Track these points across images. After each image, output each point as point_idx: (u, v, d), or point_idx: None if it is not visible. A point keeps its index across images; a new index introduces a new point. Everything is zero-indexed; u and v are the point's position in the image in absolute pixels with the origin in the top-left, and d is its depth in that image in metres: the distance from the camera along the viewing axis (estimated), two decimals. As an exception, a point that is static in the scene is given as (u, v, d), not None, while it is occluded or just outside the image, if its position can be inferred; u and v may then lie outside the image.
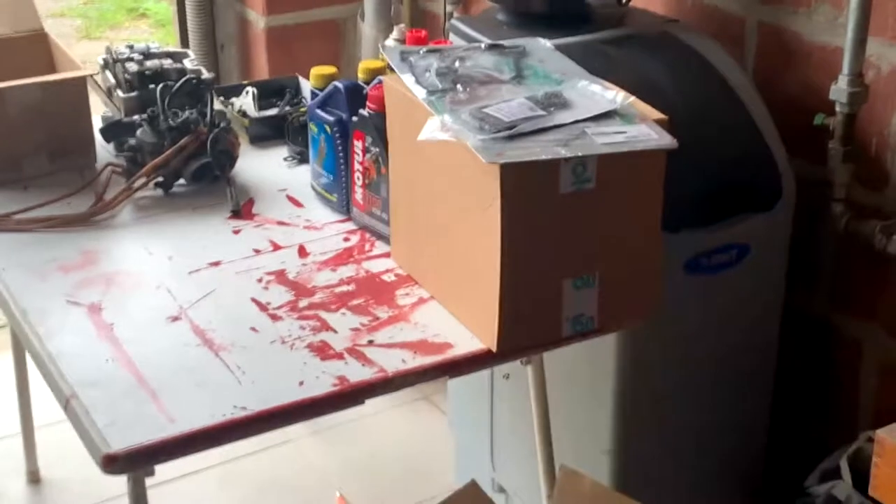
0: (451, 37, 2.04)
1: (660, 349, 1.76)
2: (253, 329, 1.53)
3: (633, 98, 1.48)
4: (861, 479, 1.68)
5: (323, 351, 1.48)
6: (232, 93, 2.23)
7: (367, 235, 1.78)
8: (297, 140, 2.05)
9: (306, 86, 2.21)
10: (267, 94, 2.22)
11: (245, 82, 2.28)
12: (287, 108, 2.18)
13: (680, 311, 1.72)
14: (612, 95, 1.49)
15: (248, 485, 2.41)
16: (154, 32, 6.21)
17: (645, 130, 1.42)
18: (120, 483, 2.22)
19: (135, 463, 1.30)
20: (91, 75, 2.00)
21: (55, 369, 1.43)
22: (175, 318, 1.56)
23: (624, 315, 1.55)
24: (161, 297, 1.61)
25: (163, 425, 1.33)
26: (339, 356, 1.47)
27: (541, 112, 1.45)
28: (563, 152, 1.37)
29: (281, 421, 1.38)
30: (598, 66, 1.66)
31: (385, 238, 1.75)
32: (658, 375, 1.80)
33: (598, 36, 1.89)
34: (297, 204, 1.89)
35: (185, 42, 2.88)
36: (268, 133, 2.12)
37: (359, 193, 1.79)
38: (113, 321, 1.54)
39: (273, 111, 2.17)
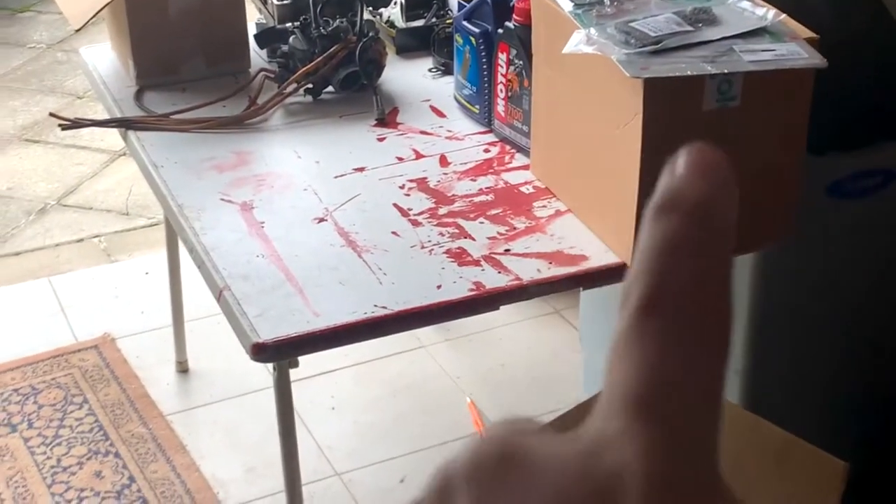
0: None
1: (798, 272, 1.76)
2: (394, 233, 1.59)
3: (783, 16, 1.46)
4: None
5: (461, 257, 1.53)
6: (381, 3, 2.26)
7: (508, 147, 1.81)
8: (442, 52, 2.08)
9: (453, -2, 2.24)
10: (414, 5, 2.25)
11: (393, -8, 2.31)
12: (433, 19, 2.21)
13: (821, 235, 1.71)
14: (763, 12, 1.48)
15: (382, 386, 2.50)
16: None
17: (794, 49, 1.40)
18: (262, 376, 2.35)
19: (281, 353, 1.38)
20: (248, -18, 2.06)
21: (210, 262, 1.51)
22: (321, 220, 1.62)
23: (759, 236, 1.55)
24: (308, 199, 1.68)
25: (308, 319, 1.40)
26: (477, 263, 1.52)
27: (688, 27, 1.45)
28: (710, 69, 1.37)
29: (419, 321, 1.44)
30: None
31: (525, 150, 1.78)
32: (794, 298, 1.79)
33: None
34: (440, 114, 1.93)
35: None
36: (414, 44, 2.15)
37: (501, 105, 1.81)
38: (263, 219, 1.62)
39: (420, 22, 2.20)
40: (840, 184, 1.70)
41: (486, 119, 1.87)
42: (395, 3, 2.22)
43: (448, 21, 2.14)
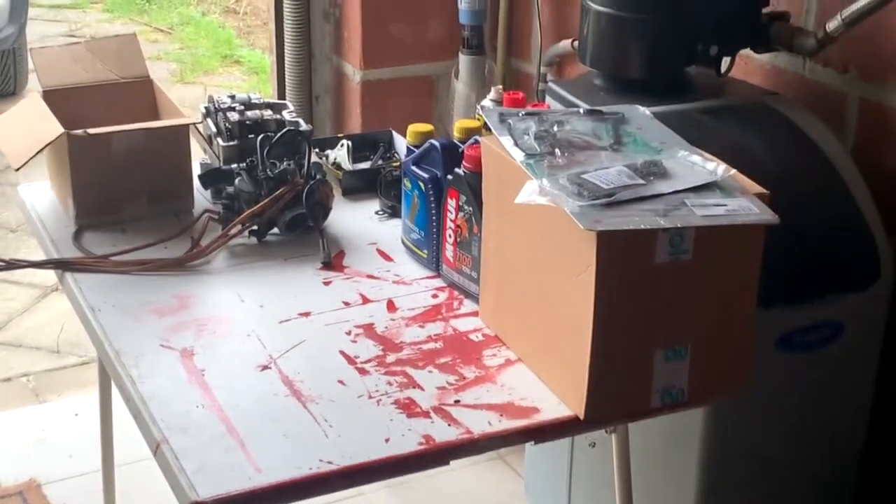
0: (548, 99, 2.06)
1: (747, 424, 1.74)
2: (341, 382, 1.54)
3: (733, 171, 1.47)
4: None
5: (409, 408, 1.49)
6: (327, 145, 2.26)
7: (456, 293, 1.79)
8: (388, 194, 2.07)
9: (399, 140, 2.24)
10: (361, 148, 2.25)
11: (340, 135, 2.31)
12: (380, 161, 2.21)
13: (769, 388, 1.70)
14: (713, 167, 1.48)
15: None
16: (247, 79, 6.35)
17: (745, 204, 1.41)
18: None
19: (221, 510, 1.31)
20: (194, 123, 2.05)
21: (147, 413, 1.45)
22: (265, 367, 1.57)
23: (714, 389, 1.53)
24: (251, 345, 1.63)
25: (250, 475, 1.34)
26: (426, 414, 1.47)
27: (640, 181, 1.45)
28: (662, 222, 1.36)
29: (366, 478, 1.39)
30: (695, 135, 1.65)
31: (474, 297, 1.75)
32: (744, 450, 1.77)
33: (695, 105, 1.89)
34: (387, 258, 1.90)
35: (281, 92, 2.94)
36: (360, 186, 2.14)
37: (449, 251, 1.79)
38: (204, 367, 1.56)
39: (366, 164, 2.20)
40: (789, 337, 1.70)
41: (434, 264, 1.84)
42: (342, 146, 2.22)
43: (395, 163, 2.14)
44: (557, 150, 1.54)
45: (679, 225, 1.37)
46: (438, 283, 1.82)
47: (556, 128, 1.61)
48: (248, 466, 1.36)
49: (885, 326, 1.81)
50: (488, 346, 1.64)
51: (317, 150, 2.21)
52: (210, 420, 1.45)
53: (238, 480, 1.33)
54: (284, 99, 2.92)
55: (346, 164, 2.18)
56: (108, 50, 2.20)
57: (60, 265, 1.83)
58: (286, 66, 2.91)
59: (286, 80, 2.93)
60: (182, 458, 1.37)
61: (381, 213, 2.07)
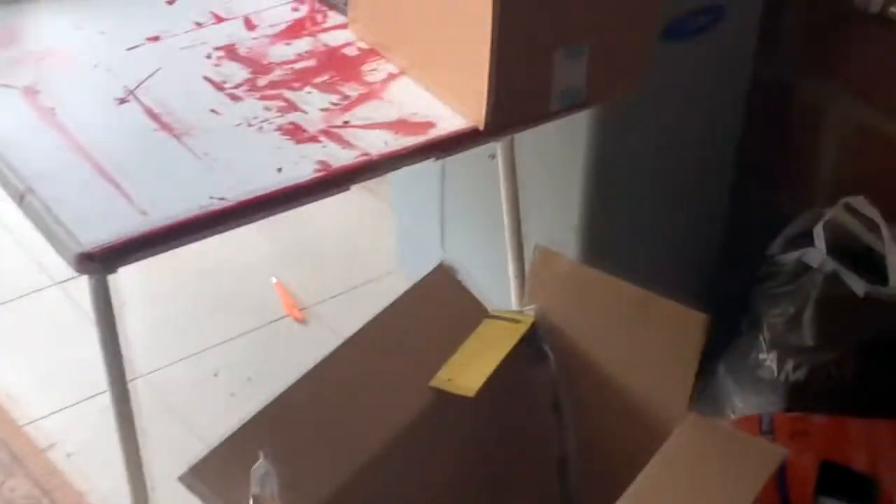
0: None
1: (632, 123, 1.69)
2: (213, 111, 1.40)
3: None
4: (834, 248, 1.67)
5: (296, 133, 1.36)
6: None
7: (317, 5, 1.63)
8: None
9: None
10: None
11: None
12: None
13: (654, 82, 1.64)
14: None
15: (186, 272, 2.29)
16: None
17: None
18: (33, 275, 2.08)
19: (112, 261, 1.18)
20: None
21: (2, 161, 1.28)
22: (123, 101, 1.40)
23: (613, 86, 1.46)
24: (101, 77, 1.45)
25: (135, 219, 1.21)
26: (315, 139, 1.35)
27: None
28: None
29: (263, 210, 1.27)
30: None
31: (340, 8, 1.60)
32: (628, 147, 1.73)
33: None
34: (233, -30, 1.71)
35: None
36: None
37: (307, -42, 1.62)
38: (53, 105, 1.38)
39: None
40: (674, 25, 1.63)
41: (288, -26, 1.67)
42: None
43: None
44: None
45: None
46: (295, -6, 1.66)
47: None
48: (130, 210, 1.22)
49: (763, 7, 1.76)
50: (366, 61, 1.51)
51: None
52: (75, 163, 1.29)
53: (123, 226, 1.19)
54: None
55: None
56: None
57: None
58: None
59: None
60: (54, 207, 1.21)
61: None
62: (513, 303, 1.74)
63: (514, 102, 1.38)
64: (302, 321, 2.19)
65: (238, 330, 2.18)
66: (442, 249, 2.07)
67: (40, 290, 2.23)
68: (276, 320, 2.21)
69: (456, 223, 2.04)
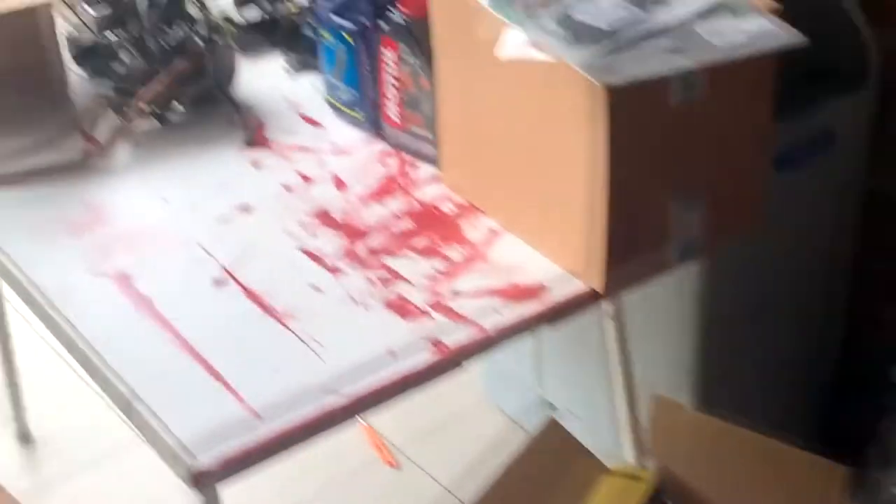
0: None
1: (743, 255, 1.61)
2: (315, 288, 1.34)
3: (738, -14, 1.28)
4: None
5: (404, 309, 1.30)
6: (205, -8, 1.96)
7: (406, 156, 1.58)
8: (295, 45, 1.81)
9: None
10: (243, -10, 1.95)
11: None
12: (269, 6, 1.92)
13: (768, 216, 1.57)
14: (712, -15, 1.29)
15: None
16: None
17: (766, 26, 1.23)
18: (115, 438, 2.03)
19: (228, 472, 1.11)
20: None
21: (99, 360, 1.22)
22: (220, 283, 1.35)
23: (729, 229, 1.39)
24: (196, 257, 1.39)
25: (249, 424, 1.14)
26: (424, 313, 1.29)
27: (638, 12, 1.25)
28: (685, 62, 1.18)
29: (376, 401, 1.20)
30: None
31: (429, 159, 1.55)
32: (739, 283, 1.65)
33: None
34: (314, 122, 1.67)
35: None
36: (258, 39, 1.87)
37: (392, 110, 1.57)
38: (150, 293, 1.33)
39: (254, 12, 1.91)
40: (784, 156, 1.56)
41: (372, 125, 1.62)
42: (224, -7, 1.92)
43: (295, 10, 1.87)
44: (525, -15, 1.32)
45: (703, 62, 1.18)
46: (382, 146, 1.60)
47: (512, -44, 1.38)
48: (241, 412, 1.16)
49: (873, 128, 1.69)
50: (464, 217, 1.45)
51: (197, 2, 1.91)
52: (179, 359, 1.22)
53: (238, 434, 1.13)
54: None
55: (236, 16, 1.89)
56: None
57: (-66, 188, 1.53)
58: None
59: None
60: (163, 415, 1.15)
61: (289, 68, 1.81)
62: (626, 454, 1.65)
63: (632, 261, 1.31)
64: (396, 467, 2.10)
65: (325, 478, 2.09)
66: (539, 387, 1.99)
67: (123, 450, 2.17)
68: (365, 465, 2.12)
69: (553, 359, 1.96)
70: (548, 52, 1.20)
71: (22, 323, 2.09)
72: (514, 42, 1.22)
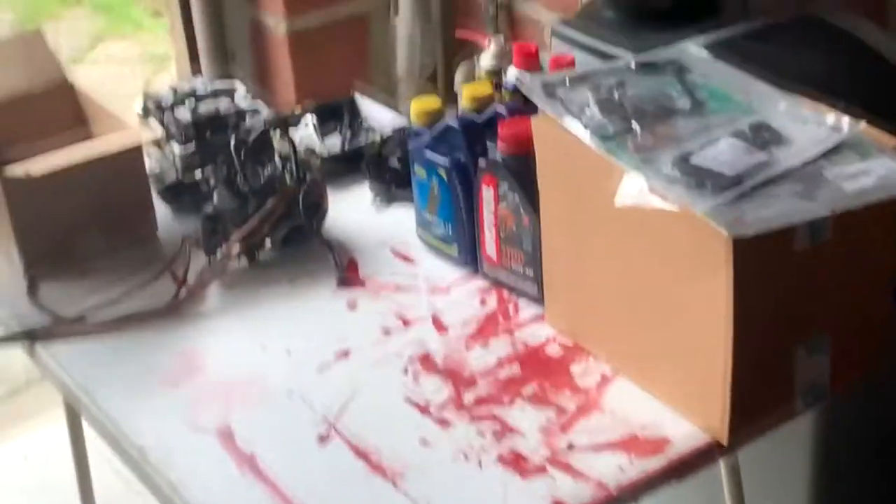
0: (555, 43, 1.78)
1: (860, 400, 1.54)
2: (424, 442, 1.28)
3: (861, 123, 1.23)
4: None
5: (519, 465, 1.24)
6: (288, 123, 1.94)
7: (506, 294, 1.53)
8: (381, 177, 1.78)
9: (363, 102, 1.95)
10: (325, 118, 1.93)
11: (297, 109, 1.98)
12: (349, 135, 1.90)
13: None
14: (833, 121, 1.24)
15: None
16: (93, 20, 5.81)
17: (893, 168, 1.18)
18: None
19: None
20: (156, 142, 1.71)
21: (213, 536, 1.17)
22: (324, 438, 1.30)
23: (855, 370, 1.32)
24: (297, 408, 1.35)
25: None
26: (542, 470, 1.23)
27: (760, 154, 1.20)
28: (815, 208, 1.12)
29: (501, 570, 1.14)
30: (757, 69, 1.40)
31: (530, 297, 1.50)
32: (857, 433, 1.58)
33: (734, 31, 1.63)
34: (406, 259, 1.63)
35: (192, 53, 2.57)
36: (342, 169, 1.84)
37: (490, 246, 1.53)
38: (253, 450, 1.28)
39: (335, 141, 1.89)
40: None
41: (468, 261, 1.57)
42: (306, 124, 1.90)
43: (375, 138, 1.84)
44: (635, 126, 1.28)
45: (835, 209, 1.13)
46: (479, 283, 1.56)
47: (616, 93, 1.35)
48: (361, 588, 1.10)
49: None
50: (573, 361, 1.39)
51: (279, 133, 1.89)
52: (289, 526, 1.17)
53: None
54: (197, 60, 2.57)
55: (320, 147, 1.87)
56: (11, 53, 1.82)
57: (28, 336, 1.50)
58: (195, 22, 2.53)
59: (196, 38, 2.56)
60: None
61: (376, 201, 1.78)
62: None
63: (758, 410, 1.24)
64: None
65: None
66: None
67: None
68: None
69: None
70: (671, 199, 1.15)
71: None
72: (633, 188, 1.18)
